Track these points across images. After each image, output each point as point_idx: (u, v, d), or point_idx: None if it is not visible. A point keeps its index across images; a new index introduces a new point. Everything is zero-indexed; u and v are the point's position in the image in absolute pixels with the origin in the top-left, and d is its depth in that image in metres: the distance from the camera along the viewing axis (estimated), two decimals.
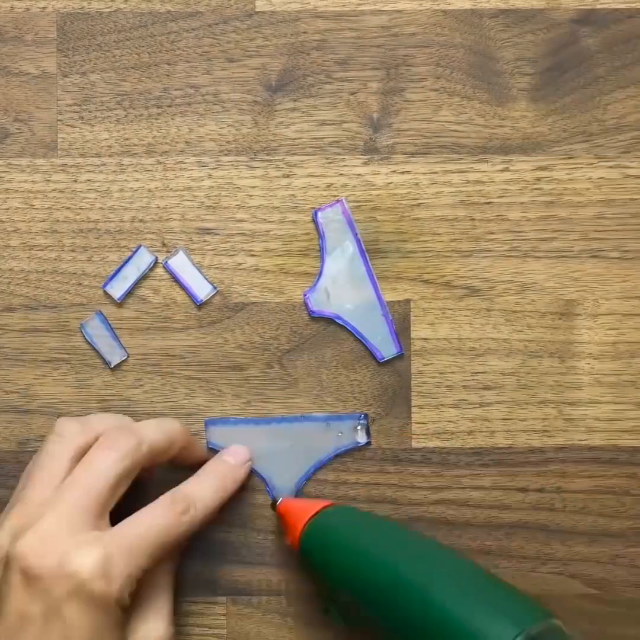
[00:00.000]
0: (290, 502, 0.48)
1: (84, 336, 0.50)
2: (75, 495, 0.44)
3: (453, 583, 0.42)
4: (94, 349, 0.50)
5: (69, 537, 0.43)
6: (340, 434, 0.50)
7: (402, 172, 0.50)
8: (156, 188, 0.50)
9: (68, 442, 0.46)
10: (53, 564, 0.42)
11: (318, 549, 0.46)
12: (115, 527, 0.44)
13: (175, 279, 0.50)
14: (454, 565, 0.44)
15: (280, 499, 0.49)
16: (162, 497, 0.46)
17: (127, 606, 0.43)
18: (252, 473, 0.50)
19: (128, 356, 0.50)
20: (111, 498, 0.44)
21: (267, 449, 0.50)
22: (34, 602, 0.42)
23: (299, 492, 0.50)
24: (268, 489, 0.50)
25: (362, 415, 0.49)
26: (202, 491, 0.47)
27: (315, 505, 0.47)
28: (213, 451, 0.50)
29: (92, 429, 0.46)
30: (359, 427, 0.49)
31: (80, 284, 0.50)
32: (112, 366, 0.50)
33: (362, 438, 0.49)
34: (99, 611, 0.42)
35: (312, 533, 0.47)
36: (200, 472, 0.48)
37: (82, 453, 0.45)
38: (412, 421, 0.50)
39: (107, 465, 0.44)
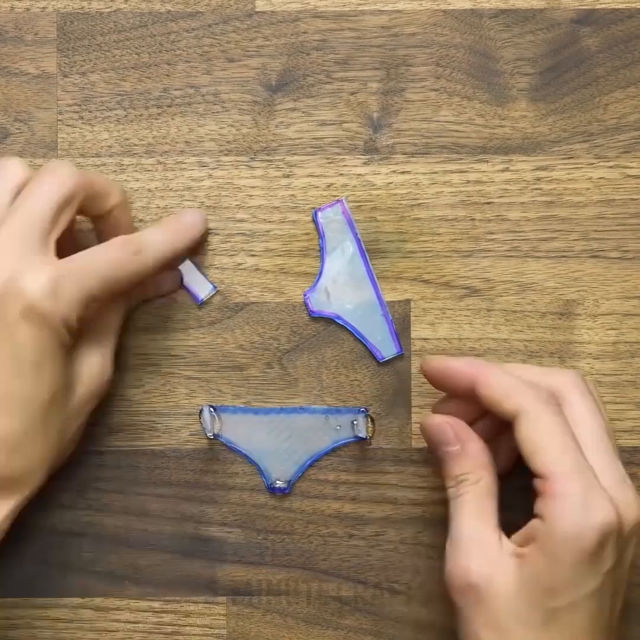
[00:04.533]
0: None
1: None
2: (18, 220, 0.44)
3: None
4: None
5: (18, 259, 0.43)
6: (339, 427, 0.50)
7: (402, 172, 0.50)
8: (156, 188, 0.50)
9: (10, 178, 0.46)
10: (2, 283, 0.43)
11: None
12: (66, 258, 0.44)
13: None
14: None
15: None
16: (114, 239, 0.46)
17: (74, 331, 0.44)
18: (249, 463, 0.50)
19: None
20: (55, 225, 0.44)
21: (266, 439, 0.50)
22: None
23: (293, 483, 0.50)
24: (264, 478, 0.50)
25: (362, 409, 0.49)
26: (155, 237, 0.47)
27: None
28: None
29: (86, 185, 0.46)
30: (356, 421, 0.49)
31: None
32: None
33: (361, 432, 0.49)
34: (46, 330, 0.43)
35: None
36: (157, 222, 0.49)
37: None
38: (412, 421, 0.50)
39: (47, 190, 0.44)
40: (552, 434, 0.43)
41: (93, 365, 0.46)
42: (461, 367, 0.45)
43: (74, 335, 0.45)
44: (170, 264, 0.48)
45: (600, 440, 0.44)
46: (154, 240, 0.47)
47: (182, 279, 0.50)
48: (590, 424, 0.44)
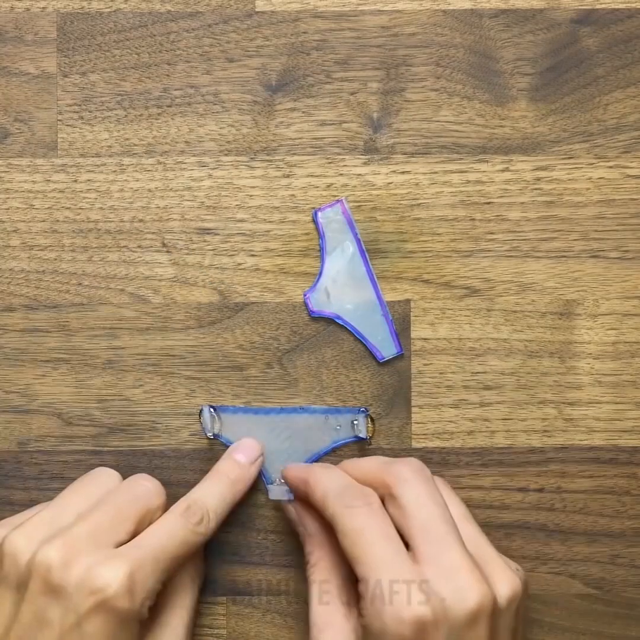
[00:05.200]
0: None
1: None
2: (104, 518, 0.44)
3: None
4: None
5: (94, 551, 0.43)
6: (338, 427, 0.50)
7: (402, 172, 0.50)
8: (156, 188, 0.50)
9: (102, 483, 0.47)
10: (78, 575, 0.42)
11: None
12: (135, 539, 0.44)
13: None
14: None
15: None
16: (175, 507, 0.46)
17: (145, 619, 0.44)
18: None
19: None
20: (134, 529, 0.45)
21: (266, 439, 0.50)
22: (54, 608, 0.42)
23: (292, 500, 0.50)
24: (264, 479, 0.50)
25: (362, 409, 0.49)
26: (213, 497, 0.47)
27: None
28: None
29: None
30: (356, 421, 0.49)
31: (80, 284, 0.50)
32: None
33: (361, 432, 0.49)
34: (119, 625, 0.42)
35: None
36: (212, 474, 0.48)
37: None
38: (412, 421, 0.50)
39: (138, 494, 0.46)
40: (358, 538, 0.43)
41: None
42: (295, 474, 0.47)
43: (145, 621, 0.44)
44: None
45: (438, 525, 0.43)
46: (215, 505, 0.46)
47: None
48: (425, 511, 0.43)
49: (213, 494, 0.47)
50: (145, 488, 0.46)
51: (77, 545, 0.43)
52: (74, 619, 0.42)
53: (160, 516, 0.46)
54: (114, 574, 0.42)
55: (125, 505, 0.45)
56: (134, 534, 0.44)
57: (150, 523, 0.45)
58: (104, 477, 0.47)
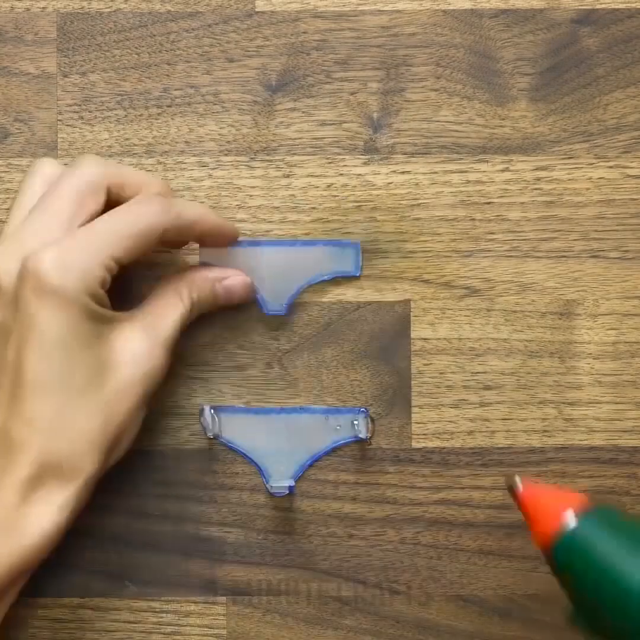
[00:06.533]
0: (538, 492, 0.42)
1: None
2: (43, 207, 0.44)
3: None
4: None
5: (34, 241, 0.43)
6: (338, 427, 0.50)
7: (402, 172, 0.50)
8: None
9: (45, 174, 0.46)
10: (16, 267, 0.43)
11: (577, 560, 0.40)
12: (85, 225, 0.44)
13: None
14: None
15: (519, 482, 0.42)
16: (141, 196, 0.45)
17: (99, 297, 0.43)
18: (249, 463, 0.50)
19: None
20: (78, 212, 0.44)
21: (266, 439, 0.50)
22: (4, 310, 0.43)
23: (293, 487, 0.50)
24: (264, 479, 0.50)
25: (362, 409, 0.49)
26: (180, 199, 0.47)
27: (571, 500, 0.41)
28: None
29: (115, 174, 0.46)
30: (356, 421, 0.49)
31: None
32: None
33: (361, 432, 0.49)
34: (65, 306, 0.42)
35: (571, 543, 0.40)
36: None
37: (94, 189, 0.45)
38: (412, 421, 0.50)
39: (71, 180, 0.45)
40: None
41: (139, 347, 0.45)
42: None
43: (105, 303, 0.44)
44: (218, 240, 0.48)
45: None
46: (179, 200, 0.46)
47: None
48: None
49: (188, 204, 0.47)
50: (82, 166, 0.45)
51: (19, 240, 0.44)
52: (22, 313, 0.42)
53: (115, 189, 0.45)
54: (44, 254, 0.42)
55: (62, 190, 0.44)
56: (83, 217, 0.44)
57: (97, 197, 0.45)
58: (44, 169, 0.46)
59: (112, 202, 0.45)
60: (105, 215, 0.44)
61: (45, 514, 0.43)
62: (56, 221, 0.44)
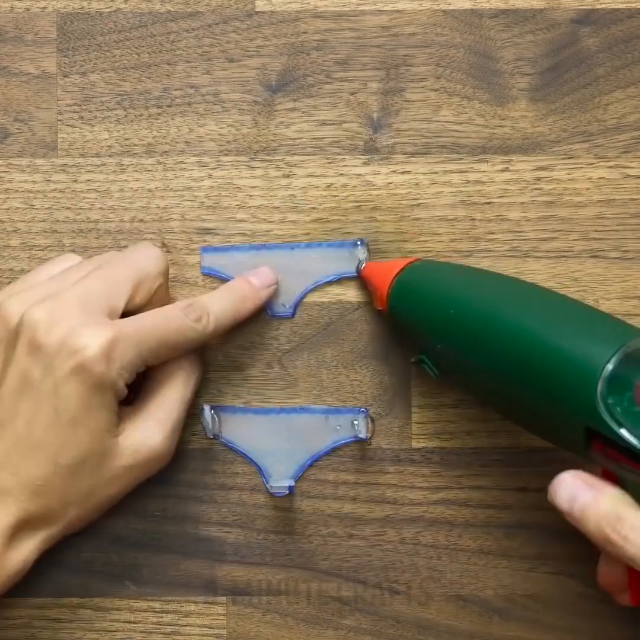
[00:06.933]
0: (375, 264, 0.49)
1: None
2: (96, 283, 0.45)
3: (547, 311, 0.42)
4: None
5: (81, 315, 0.44)
6: (338, 427, 0.50)
7: (402, 172, 0.50)
8: (156, 188, 0.50)
9: (65, 262, 0.47)
10: (60, 337, 0.43)
11: (408, 303, 0.46)
12: (126, 319, 0.45)
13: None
14: (548, 296, 0.45)
15: (364, 263, 0.49)
16: (177, 302, 0.46)
17: (122, 395, 0.44)
18: (249, 463, 0.50)
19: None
20: (129, 299, 0.45)
21: (266, 439, 0.50)
22: (36, 368, 0.43)
23: (294, 487, 0.50)
24: (264, 479, 0.50)
25: (362, 409, 0.49)
26: (218, 304, 0.47)
27: (400, 263, 0.47)
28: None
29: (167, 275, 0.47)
30: (356, 421, 0.49)
31: None
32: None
33: (361, 432, 0.49)
34: (92, 391, 0.43)
35: (401, 288, 0.47)
36: (222, 287, 0.49)
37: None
38: (412, 421, 0.50)
39: (136, 263, 0.46)
40: None
41: (142, 440, 0.46)
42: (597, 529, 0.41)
43: (122, 398, 0.45)
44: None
45: None
46: (217, 309, 0.47)
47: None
48: None
49: (217, 301, 0.47)
50: (145, 254, 0.46)
51: (66, 308, 0.44)
52: (52, 380, 0.43)
53: (161, 288, 0.46)
54: (94, 337, 0.43)
55: (121, 270, 0.45)
56: (131, 303, 0.45)
57: (149, 292, 0.45)
58: (107, 253, 0.48)
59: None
60: (151, 314, 0.45)
61: (23, 554, 0.45)
62: (107, 298, 0.44)
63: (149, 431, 0.46)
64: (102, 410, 0.44)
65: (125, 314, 0.45)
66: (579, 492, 0.41)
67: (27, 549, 0.44)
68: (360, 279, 0.49)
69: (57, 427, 0.43)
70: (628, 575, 0.43)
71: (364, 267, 0.49)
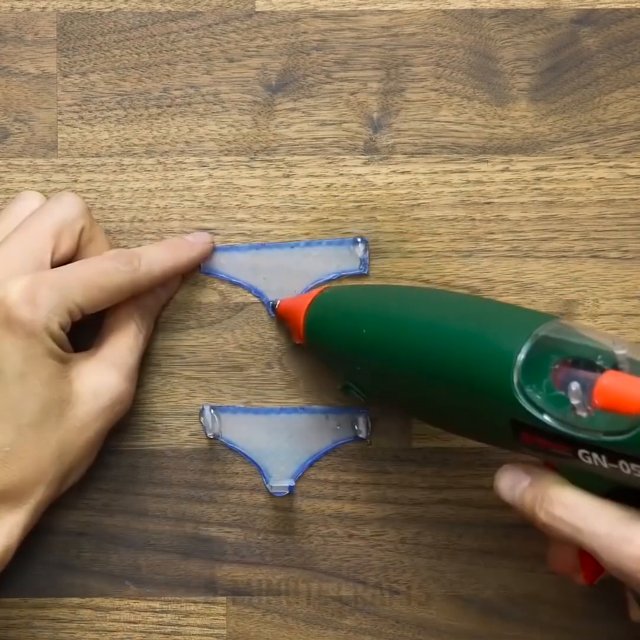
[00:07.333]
0: (287, 301, 0.49)
1: None
2: (17, 239, 0.45)
3: (457, 309, 0.43)
4: None
5: (8, 274, 0.44)
6: (338, 427, 0.50)
7: (402, 172, 0.50)
8: (156, 188, 0.50)
9: (25, 204, 0.47)
10: None
11: (322, 333, 0.47)
12: (52, 269, 0.45)
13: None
14: (456, 296, 0.47)
15: (278, 301, 0.49)
16: (108, 251, 0.47)
17: (60, 340, 0.44)
18: (249, 463, 0.50)
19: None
20: (53, 248, 0.45)
21: (266, 439, 0.50)
22: None
23: (294, 487, 0.50)
24: (264, 479, 0.50)
25: (362, 409, 0.49)
26: (149, 250, 0.48)
27: (309, 296, 0.48)
28: None
29: (91, 223, 0.47)
30: (357, 421, 0.49)
31: None
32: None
33: (361, 432, 0.49)
34: (29, 341, 0.43)
35: (313, 320, 0.47)
36: (156, 242, 0.49)
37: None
38: (413, 421, 0.50)
39: (49, 214, 0.46)
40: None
41: (99, 382, 0.46)
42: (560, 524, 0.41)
43: (65, 346, 0.44)
44: (171, 280, 0.49)
45: None
46: (149, 254, 0.47)
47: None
48: None
49: (149, 248, 0.48)
50: (59, 202, 0.46)
51: None
52: None
53: (86, 231, 0.46)
54: (13, 285, 0.43)
55: (37, 225, 0.46)
56: (58, 253, 0.45)
57: (72, 237, 0.46)
58: (26, 201, 0.47)
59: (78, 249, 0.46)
60: (78, 262, 0.46)
61: (5, 529, 0.44)
62: (29, 255, 0.45)
63: (107, 374, 0.46)
64: (46, 357, 0.43)
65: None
66: (518, 480, 0.42)
67: (8, 524, 0.44)
68: (277, 318, 0.50)
69: (5, 385, 0.43)
70: (578, 555, 0.43)
71: (278, 306, 0.49)
